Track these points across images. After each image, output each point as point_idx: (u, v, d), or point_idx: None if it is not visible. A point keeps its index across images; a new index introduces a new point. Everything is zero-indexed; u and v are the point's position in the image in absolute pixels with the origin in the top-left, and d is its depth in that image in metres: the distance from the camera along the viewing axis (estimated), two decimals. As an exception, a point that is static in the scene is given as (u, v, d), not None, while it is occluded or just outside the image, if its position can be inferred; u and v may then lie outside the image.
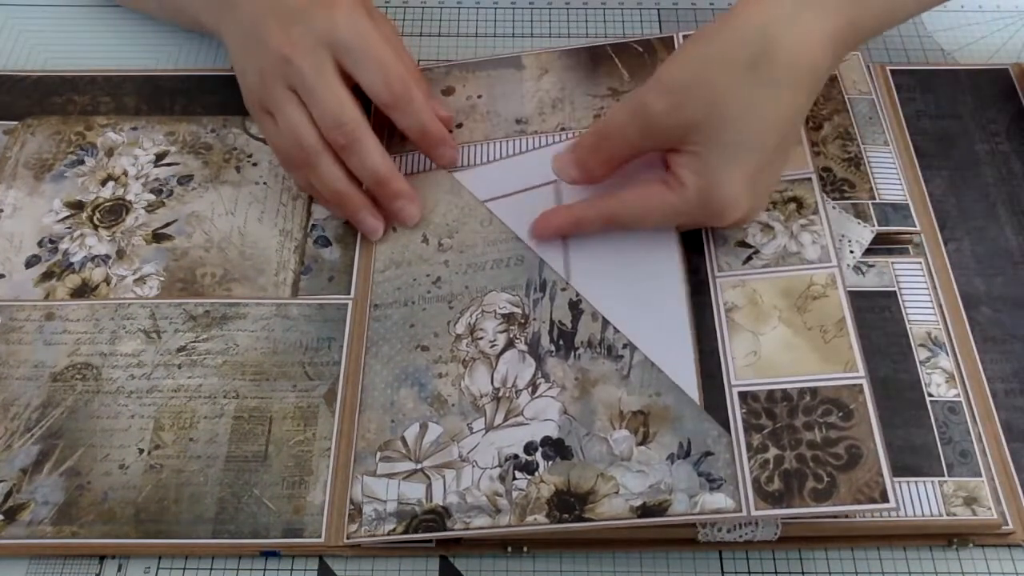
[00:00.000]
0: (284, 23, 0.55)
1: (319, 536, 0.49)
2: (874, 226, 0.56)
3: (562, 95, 0.62)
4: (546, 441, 0.48)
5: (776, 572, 0.49)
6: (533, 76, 0.63)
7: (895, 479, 0.45)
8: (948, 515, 0.47)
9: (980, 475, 0.48)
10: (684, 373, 0.49)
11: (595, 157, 0.52)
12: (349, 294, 0.56)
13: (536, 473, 0.47)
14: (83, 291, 0.57)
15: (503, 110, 0.62)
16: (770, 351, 0.49)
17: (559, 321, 0.52)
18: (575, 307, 0.52)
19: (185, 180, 0.61)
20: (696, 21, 0.70)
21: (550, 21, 0.71)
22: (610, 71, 0.62)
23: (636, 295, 0.52)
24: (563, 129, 0.60)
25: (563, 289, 0.53)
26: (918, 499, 0.48)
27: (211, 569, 0.49)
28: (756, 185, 0.49)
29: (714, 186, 0.48)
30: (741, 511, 0.45)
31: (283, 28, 0.55)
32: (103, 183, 0.61)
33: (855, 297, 0.52)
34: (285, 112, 0.55)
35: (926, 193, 0.59)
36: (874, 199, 0.57)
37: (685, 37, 0.63)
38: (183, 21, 0.68)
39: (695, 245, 0.54)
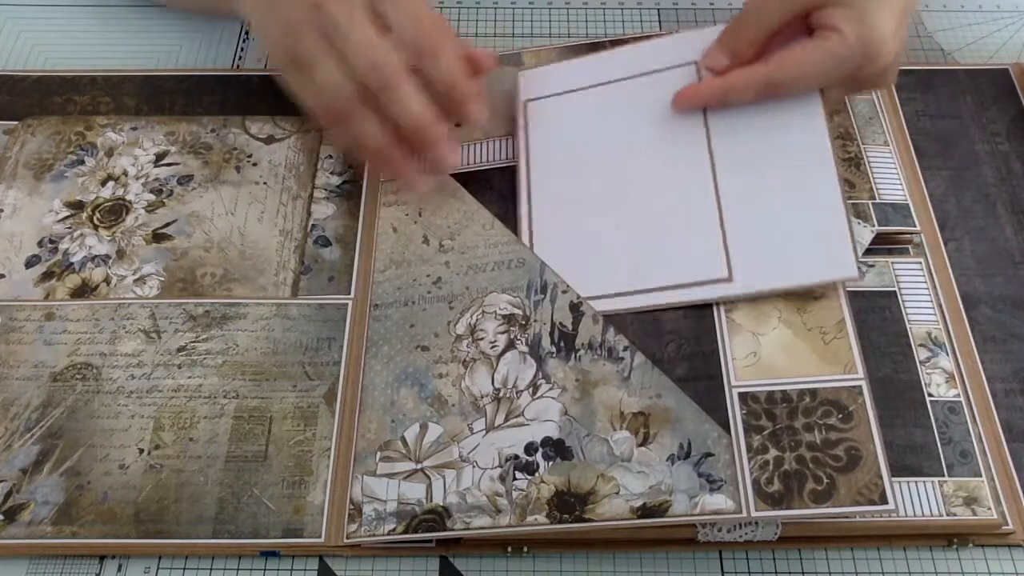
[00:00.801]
0: None
1: (319, 536, 0.49)
2: (874, 226, 0.56)
3: (562, 95, 0.62)
4: (547, 442, 0.48)
5: (776, 572, 0.49)
6: (533, 76, 0.63)
7: (895, 479, 0.45)
8: (948, 515, 0.47)
9: (980, 475, 0.48)
10: (837, 240, 0.50)
11: (741, 37, 0.54)
12: (349, 294, 0.56)
13: (536, 473, 0.47)
14: (83, 291, 0.57)
15: (503, 109, 0.62)
16: (770, 352, 0.49)
17: (560, 323, 0.52)
18: (576, 309, 0.52)
19: (185, 180, 0.61)
20: (696, 21, 0.70)
21: (550, 21, 0.71)
22: (610, 71, 0.62)
23: (784, 166, 0.53)
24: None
25: (564, 291, 0.53)
26: (918, 499, 0.48)
27: (211, 569, 0.49)
28: (900, 30, 0.52)
29: (869, 28, 0.50)
30: (741, 512, 0.45)
31: None
32: (103, 183, 0.61)
33: (855, 297, 0.52)
34: (319, 62, 0.52)
35: (926, 193, 0.59)
36: (874, 199, 0.57)
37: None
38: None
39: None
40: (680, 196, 0.54)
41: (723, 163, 0.54)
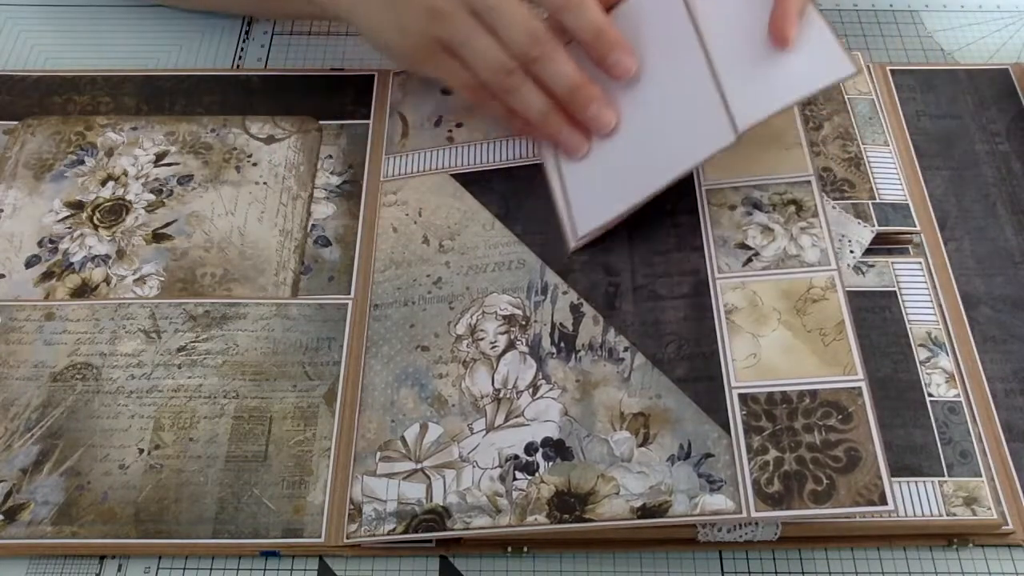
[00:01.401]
0: None
1: (319, 536, 0.49)
2: (874, 226, 0.56)
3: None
4: (547, 442, 0.48)
5: (776, 572, 0.49)
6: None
7: (895, 479, 0.45)
8: (948, 515, 0.47)
9: (980, 475, 0.48)
10: (826, 47, 0.50)
11: None
12: (349, 294, 0.56)
13: (536, 474, 0.47)
14: (83, 291, 0.57)
15: None
16: (770, 353, 0.49)
17: (560, 323, 0.52)
18: (576, 310, 0.52)
19: (185, 180, 0.61)
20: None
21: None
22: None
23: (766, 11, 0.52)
24: None
25: (564, 292, 0.53)
26: (918, 499, 0.48)
27: (211, 569, 0.49)
28: None
29: None
30: (741, 512, 0.45)
31: None
32: (103, 183, 0.61)
33: (855, 297, 0.52)
34: (474, 41, 0.53)
35: (926, 193, 0.59)
36: (874, 199, 0.57)
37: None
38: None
39: (695, 246, 0.54)
40: (680, 88, 0.53)
41: (714, 48, 0.53)
